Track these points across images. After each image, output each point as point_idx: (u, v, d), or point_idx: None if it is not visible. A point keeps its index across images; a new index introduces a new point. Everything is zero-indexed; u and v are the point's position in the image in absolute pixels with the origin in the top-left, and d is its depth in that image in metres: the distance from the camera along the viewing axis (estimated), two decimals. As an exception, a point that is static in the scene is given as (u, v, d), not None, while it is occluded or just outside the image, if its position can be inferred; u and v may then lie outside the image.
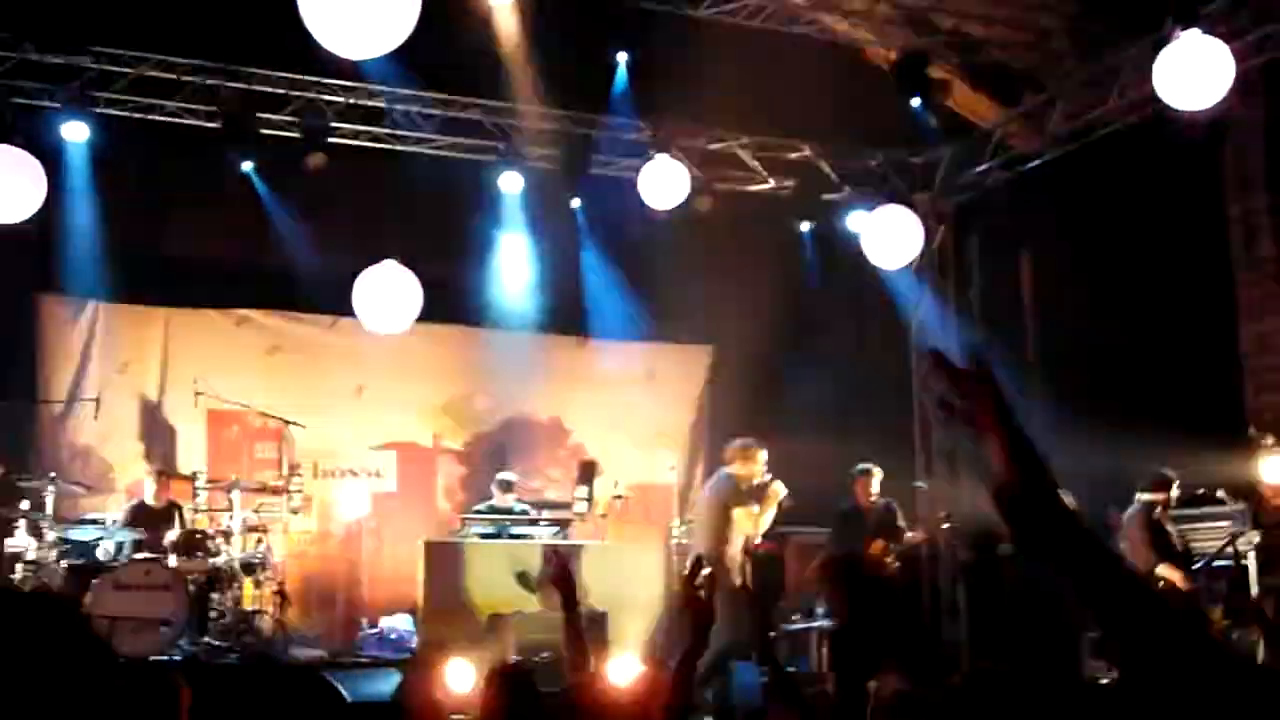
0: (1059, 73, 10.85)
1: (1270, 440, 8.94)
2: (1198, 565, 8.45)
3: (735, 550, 8.97)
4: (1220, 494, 8.91)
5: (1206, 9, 8.90)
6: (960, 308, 12.28)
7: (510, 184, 11.26)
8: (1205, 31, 8.57)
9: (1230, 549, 8.30)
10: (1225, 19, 9.10)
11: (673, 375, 12.72)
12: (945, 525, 10.60)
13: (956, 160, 12.04)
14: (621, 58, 11.02)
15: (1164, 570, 8.40)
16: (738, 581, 8.86)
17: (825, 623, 9.64)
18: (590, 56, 10.94)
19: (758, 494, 9.00)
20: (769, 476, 9.06)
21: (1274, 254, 10.18)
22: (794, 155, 12.10)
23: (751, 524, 8.95)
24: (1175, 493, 8.71)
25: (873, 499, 10.29)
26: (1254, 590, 8.36)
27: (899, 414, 12.04)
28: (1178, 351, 10.05)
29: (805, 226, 12.17)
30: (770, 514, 9.07)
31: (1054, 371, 11.26)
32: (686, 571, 4.55)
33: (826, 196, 12.19)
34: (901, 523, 10.36)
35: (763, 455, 9.05)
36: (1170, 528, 8.71)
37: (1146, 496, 8.66)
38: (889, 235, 11.35)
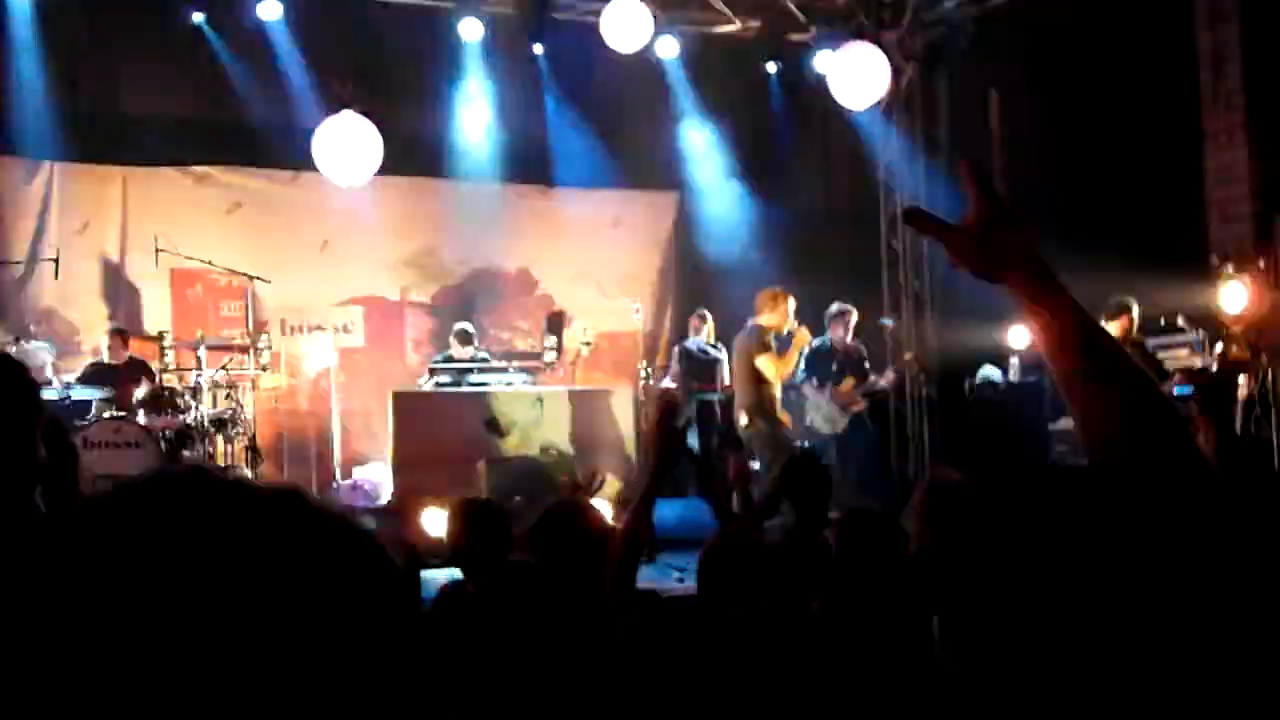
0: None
1: (1230, 269, 8.97)
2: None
3: (774, 394, 9.13)
4: (1180, 322, 8.97)
5: None
6: (929, 146, 12.17)
7: (470, 31, 11.01)
8: None
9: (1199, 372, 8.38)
10: None
11: (639, 222, 12.62)
12: (911, 364, 10.70)
13: (925, -4, 11.77)
14: (581, -106, 10.70)
15: None
16: (782, 421, 9.12)
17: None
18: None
19: (784, 342, 9.15)
20: (796, 324, 9.18)
21: (1241, 85, 10.07)
22: (760, -6, 11.82)
23: (775, 370, 9.07)
24: (1135, 318, 8.75)
25: (848, 339, 10.37)
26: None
27: (866, 253, 12.03)
28: (1143, 184, 10.02)
29: (772, 68, 11.97)
30: (795, 359, 9.19)
31: (1022, 208, 11.19)
32: (659, 415, 4.52)
33: (794, 36, 11.95)
34: (868, 365, 10.46)
35: (791, 303, 9.16)
36: (1131, 353, 8.77)
37: (1106, 325, 8.70)
38: (856, 74, 11.17)
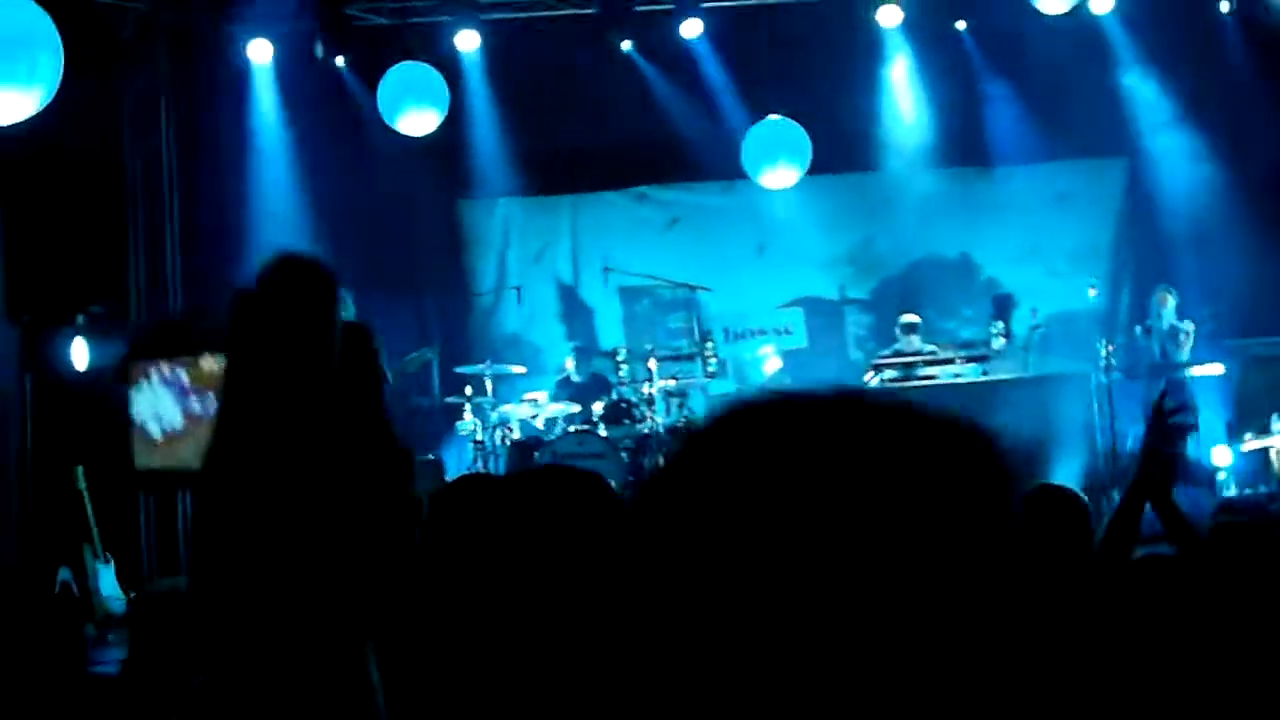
0: None
1: None
2: None
3: None
4: None
5: None
6: None
7: (889, 17, 10.80)
8: None
9: None
10: None
11: (1087, 193, 11.82)
12: None
13: None
14: None
15: None
16: None
17: None
18: None
19: None
20: None
21: None
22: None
23: None
24: None
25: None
26: None
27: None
28: None
29: (1225, 6, 10.87)
30: None
31: None
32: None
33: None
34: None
35: None
36: None
37: None
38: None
